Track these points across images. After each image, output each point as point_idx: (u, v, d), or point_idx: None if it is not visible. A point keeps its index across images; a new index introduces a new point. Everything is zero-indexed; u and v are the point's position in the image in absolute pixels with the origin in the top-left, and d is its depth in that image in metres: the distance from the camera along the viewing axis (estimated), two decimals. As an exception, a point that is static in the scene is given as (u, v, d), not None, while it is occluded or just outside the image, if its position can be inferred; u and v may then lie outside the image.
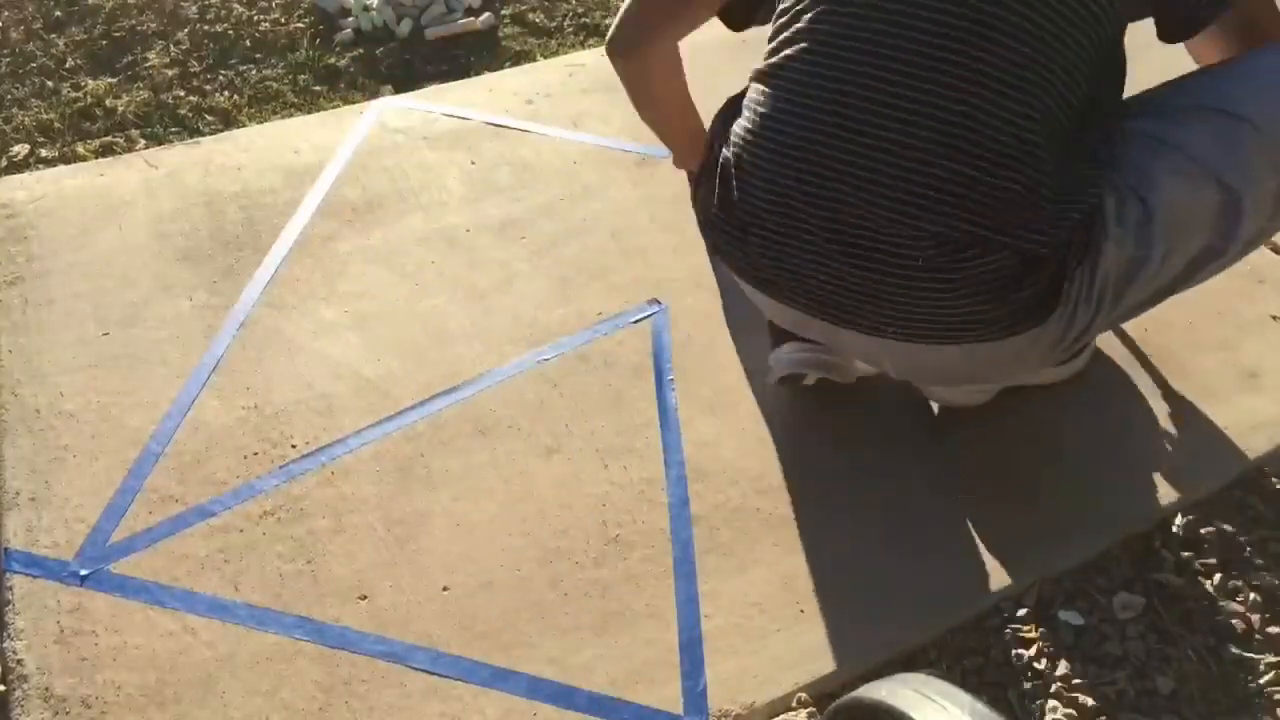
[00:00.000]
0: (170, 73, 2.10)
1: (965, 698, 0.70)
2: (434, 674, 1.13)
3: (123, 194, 1.72)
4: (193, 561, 1.23)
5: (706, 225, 1.25)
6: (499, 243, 1.66)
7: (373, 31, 2.23)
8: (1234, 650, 1.17)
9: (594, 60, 2.08)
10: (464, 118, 1.92)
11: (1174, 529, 1.27)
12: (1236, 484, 1.33)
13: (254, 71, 2.12)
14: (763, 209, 1.13)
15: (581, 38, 2.21)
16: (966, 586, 1.21)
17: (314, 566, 1.23)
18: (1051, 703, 1.11)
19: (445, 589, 1.21)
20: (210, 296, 1.55)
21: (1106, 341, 1.49)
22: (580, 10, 2.28)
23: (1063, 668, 1.14)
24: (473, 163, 1.82)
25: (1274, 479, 1.33)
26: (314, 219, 1.69)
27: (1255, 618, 1.19)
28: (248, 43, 2.20)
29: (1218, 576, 1.23)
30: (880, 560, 1.24)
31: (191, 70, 2.12)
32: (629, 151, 1.85)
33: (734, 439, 1.37)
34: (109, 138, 1.94)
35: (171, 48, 2.17)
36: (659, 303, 1.56)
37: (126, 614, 1.18)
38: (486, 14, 2.26)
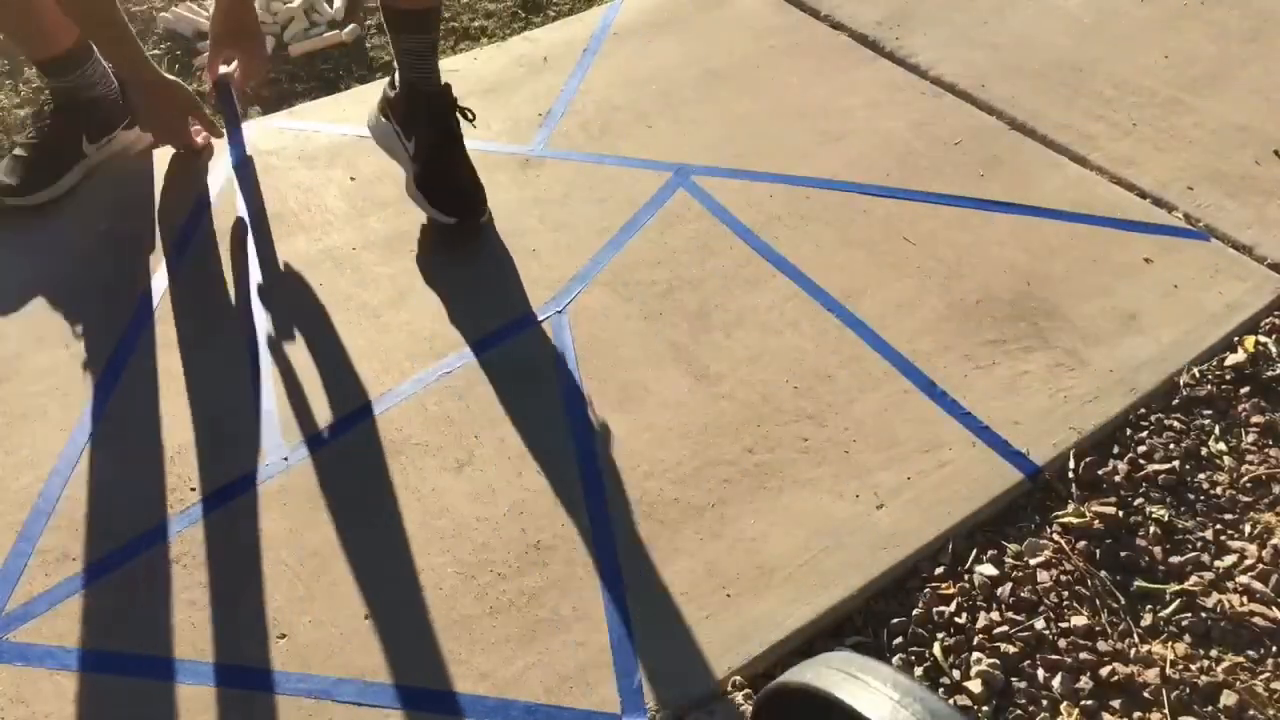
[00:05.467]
0: (21, 113, 2.00)
1: (888, 671, 0.71)
2: (363, 705, 1.11)
3: (-18, 244, 1.64)
4: (97, 620, 1.18)
5: None
6: (388, 258, 1.63)
7: (234, 52, 2.16)
8: (1140, 583, 1.22)
9: (466, 65, 2.05)
10: (339, 133, 1.88)
11: (1071, 472, 1.32)
12: (1126, 422, 1.38)
13: (112, 103, 2.03)
14: None
15: (451, 42, 2.17)
16: (884, 553, 1.24)
17: (227, 610, 1.19)
18: (975, 655, 1.15)
19: (367, 617, 1.18)
20: (88, 342, 1.49)
21: (994, 299, 1.53)
22: (447, 14, 2.24)
23: (982, 619, 1.18)
24: (352, 179, 1.78)
25: (1160, 414, 1.39)
26: (191, 251, 1.63)
27: (1156, 549, 1.25)
28: (102, 74, 2.11)
29: (1118, 513, 1.28)
30: (798, 536, 1.25)
31: (47, 108, 2.02)
32: (511, 154, 1.83)
33: (645, 432, 1.37)
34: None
35: (21, 86, 2.07)
36: (558, 303, 1.55)
37: (32, 683, 1.12)
38: (351, 25, 2.20)
